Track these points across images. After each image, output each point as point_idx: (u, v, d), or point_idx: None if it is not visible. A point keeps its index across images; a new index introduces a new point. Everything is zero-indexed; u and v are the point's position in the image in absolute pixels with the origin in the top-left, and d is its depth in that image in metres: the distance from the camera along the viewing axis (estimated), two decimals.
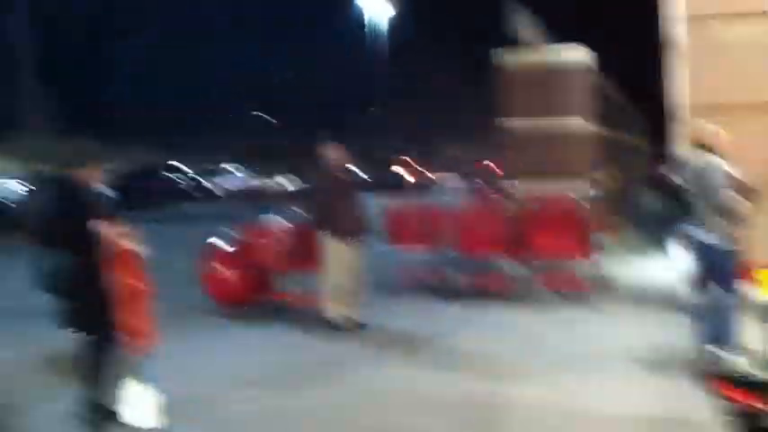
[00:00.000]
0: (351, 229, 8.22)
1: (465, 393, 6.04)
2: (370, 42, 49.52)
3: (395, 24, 49.91)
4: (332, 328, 8.14)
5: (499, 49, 11.68)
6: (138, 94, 46.13)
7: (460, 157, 45.60)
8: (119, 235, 5.29)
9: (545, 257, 9.65)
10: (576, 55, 11.43)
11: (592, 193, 11.30)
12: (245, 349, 7.65)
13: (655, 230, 13.09)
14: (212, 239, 9.48)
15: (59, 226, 5.18)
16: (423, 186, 40.75)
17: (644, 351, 7.03)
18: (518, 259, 9.79)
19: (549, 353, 7.13)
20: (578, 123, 11.30)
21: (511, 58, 11.49)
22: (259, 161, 42.50)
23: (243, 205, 26.63)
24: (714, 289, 6.39)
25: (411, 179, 43.11)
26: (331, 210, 8.14)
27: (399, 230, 10.37)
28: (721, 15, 8.47)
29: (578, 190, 10.95)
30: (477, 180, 24.43)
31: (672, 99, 9.52)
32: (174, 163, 36.98)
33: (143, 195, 26.96)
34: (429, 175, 46.21)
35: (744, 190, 6.30)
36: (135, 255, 5.37)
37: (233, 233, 9.57)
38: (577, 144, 11.32)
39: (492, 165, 27.50)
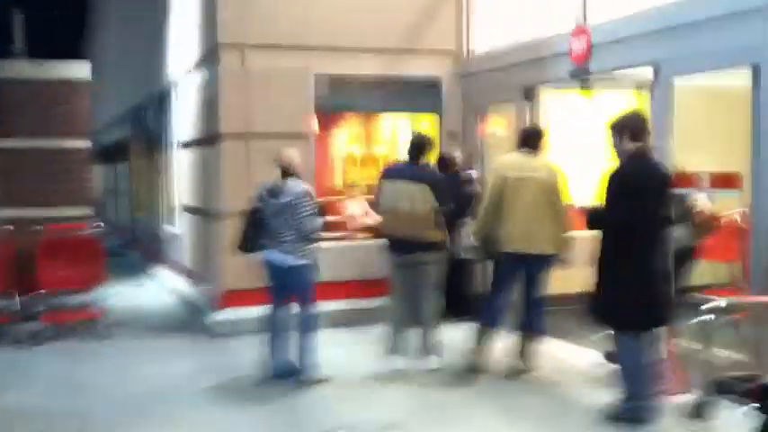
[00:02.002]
0: None
1: None
2: None
3: None
4: None
5: None
6: None
7: None
8: None
9: (55, 290, 9.01)
10: (75, 70, 10.94)
11: (96, 218, 11.00)
12: None
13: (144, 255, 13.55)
14: None
15: None
16: None
17: (204, 378, 6.99)
18: (24, 294, 8.95)
19: (111, 400, 6.56)
20: (79, 144, 10.83)
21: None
22: None
23: None
24: (297, 306, 6.74)
25: None
26: None
27: None
28: (253, 46, 8.73)
29: (81, 215, 10.55)
30: None
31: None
32: None
33: None
34: None
35: (321, 210, 6.62)
36: None
37: None
38: (79, 166, 10.86)
39: None
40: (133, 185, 17.32)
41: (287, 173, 6.59)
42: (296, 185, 6.53)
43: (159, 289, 11.83)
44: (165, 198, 13.01)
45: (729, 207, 8.34)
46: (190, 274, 10.60)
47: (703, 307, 4.92)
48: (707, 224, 7.48)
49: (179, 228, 11.49)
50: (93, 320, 8.78)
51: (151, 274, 13.09)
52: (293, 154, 6.71)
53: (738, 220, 8.29)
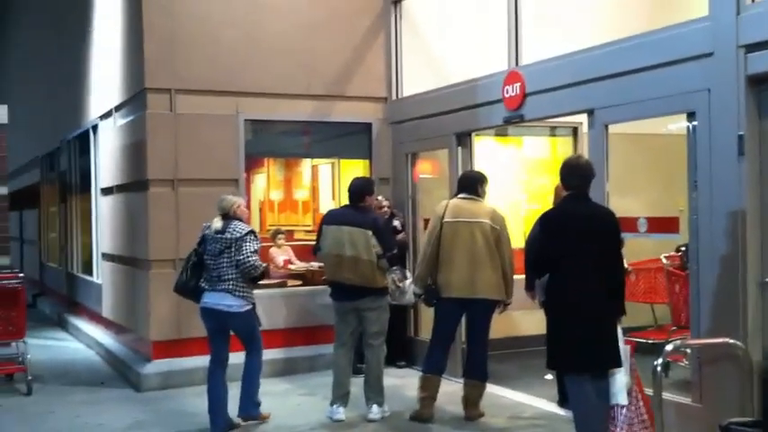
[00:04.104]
0: None
1: None
2: None
3: None
4: None
5: None
6: None
7: None
8: None
9: None
10: None
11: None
12: None
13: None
14: None
15: None
16: None
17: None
18: None
19: None
20: None
21: None
22: None
23: None
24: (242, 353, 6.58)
25: None
26: None
27: None
28: (181, 90, 8.57)
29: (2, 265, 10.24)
30: None
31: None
32: None
33: None
34: None
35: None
36: None
37: None
38: None
39: None
40: (43, 233, 16.68)
41: (228, 217, 6.48)
42: (241, 225, 6.45)
43: (79, 341, 11.34)
44: (82, 246, 12.55)
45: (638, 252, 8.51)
46: (113, 326, 10.20)
47: (667, 348, 4.96)
48: None
49: (99, 277, 11.06)
50: (13, 375, 8.42)
51: (67, 325, 12.54)
52: (237, 200, 6.62)
53: (665, 263, 8.49)
